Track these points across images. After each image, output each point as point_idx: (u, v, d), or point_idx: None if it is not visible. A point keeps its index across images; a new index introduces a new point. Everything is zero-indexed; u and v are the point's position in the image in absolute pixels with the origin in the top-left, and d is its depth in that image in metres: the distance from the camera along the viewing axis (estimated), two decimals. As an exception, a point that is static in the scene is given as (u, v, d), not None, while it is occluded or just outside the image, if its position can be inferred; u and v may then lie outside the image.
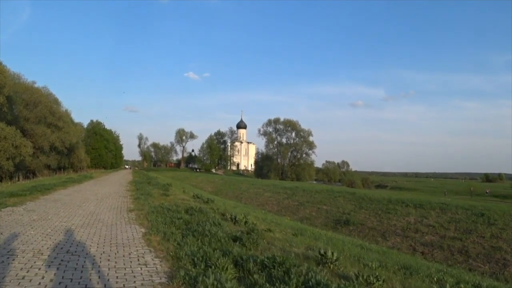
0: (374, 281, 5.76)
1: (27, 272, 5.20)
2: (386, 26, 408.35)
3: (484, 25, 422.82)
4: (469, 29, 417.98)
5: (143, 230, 9.00)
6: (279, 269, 5.50)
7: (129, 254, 6.50)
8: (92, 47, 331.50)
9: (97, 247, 6.91)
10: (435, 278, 8.02)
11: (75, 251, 6.46)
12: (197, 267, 5.50)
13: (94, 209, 12.79)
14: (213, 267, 5.40)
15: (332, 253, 7.11)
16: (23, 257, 5.93)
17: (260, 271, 5.54)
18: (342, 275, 6.28)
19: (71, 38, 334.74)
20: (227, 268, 5.42)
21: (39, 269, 5.35)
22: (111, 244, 7.24)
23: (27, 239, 7.30)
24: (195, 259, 5.87)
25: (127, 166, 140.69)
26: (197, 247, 6.91)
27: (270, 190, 42.81)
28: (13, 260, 5.76)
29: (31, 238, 7.40)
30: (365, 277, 5.81)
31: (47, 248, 6.66)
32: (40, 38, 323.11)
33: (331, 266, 6.79)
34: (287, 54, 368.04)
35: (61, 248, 6.65)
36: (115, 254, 6.46)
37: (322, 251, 7.16)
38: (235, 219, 11.59)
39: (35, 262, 5.67)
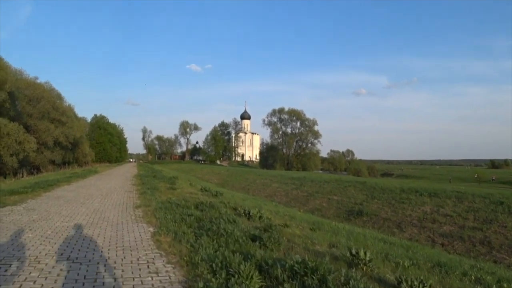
0: (420, 286, 5.01)
1: (20, 286, 4.46)
2: (387, 13, 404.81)
3: (487, 10, 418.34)
4: (471, 15, 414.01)
5: (151, 229, 8.26)
6: (313, 277, 4.72)
7: (138, 259, 5.75)
8: (93, 41, 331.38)
9: (102, 252, 6.15)
10: (472, 277, 7.24)
11: (77, 258, 5.71)
12: (217, 275, 4.73)
13: (98, 206, 12.06)
14: (236, 276, 4.63)
15: (365, 253, 6.35)
16: (17, 267, 5.19)
17: (290, 279, 4.76)
18: (380, 278, 5.54)
19: (72, 32, 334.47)
20: (251, 277, 4.65)
21: (34, 282, 4.60)
22: (117, 247, 6.49)
23: (24, 244, 6.55)
24: (214, 265, 5.12)
25: (131, 160, 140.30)
26: (213, 249, 6.17)
27: (278, 181, 42.08)
28: (5, 271, 5.02)
29: (28, 243, 6.66)
30: (409, 282, 5.05)
31: (45, 254, 5.92)
32: (42, 34, 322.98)
33: (364, 268, 6.04)
34: (288, 43, 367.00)
35: (61, 255, 5.89)
36: (122, 260, 5.71)
37: (353, 251, 6.40)
38: (249, 214, 10.84)
39: (30, 273, 4.92)
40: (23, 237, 7.07)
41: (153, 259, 5.80)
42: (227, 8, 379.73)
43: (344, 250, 7.89)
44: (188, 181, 31.93)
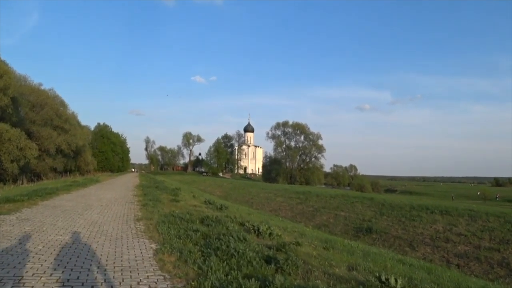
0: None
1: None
2: (392, 29, 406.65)
3: (491, 28, 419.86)
4: (475, 33, 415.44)
5: (153, 246, 7.49)
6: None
7: (138, 283, 4.99)
8: (99, 51, 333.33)
9: (97, 273, 5.39)
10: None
11: (68, 280, 4.94)
12: (232, 308, 3.97)
13: (97, 218, 11.29)
14: (255, 310, 3.87)
15: (396, 280, 5.61)
16: (-3, 291, 4.44)
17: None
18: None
19: (78, 42, 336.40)
20: (274, 311, 3.89)
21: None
22: (115, 267, 5.73)
23: (10, 261, 5.78)
24: (227, 294, 4.37)
25: (133, 170, 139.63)
26: (224, 272, 5.43)
27: (282, 195, 41.21)
28: (-18, 295, 4.27)
29: (15, 259, 5.89)
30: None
31: (33, 274, 5.15)
32: (48, 42, 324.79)
33: (396, 298, 5.28)
34: (293, 57, 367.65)
35: (50, 275, 5.13)
36: (120, 283, 4.95)
37: (383, 277, 5.63)
38: (258, 230, 10.05)
39: (10, 300, 4.17)
40: (10, 252, 6.31)
41: (156, 283, 5.04)
42: (233, 21, 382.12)
43: (365, 274, 7.16)
44: (191, 193, 31.15)
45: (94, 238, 7.92)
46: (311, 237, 12.89)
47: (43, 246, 6.88)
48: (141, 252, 6.85)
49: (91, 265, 5.77)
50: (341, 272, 7.10)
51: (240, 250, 6.58)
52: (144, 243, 7.76)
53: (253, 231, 9.99)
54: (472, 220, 21.43)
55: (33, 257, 6.09)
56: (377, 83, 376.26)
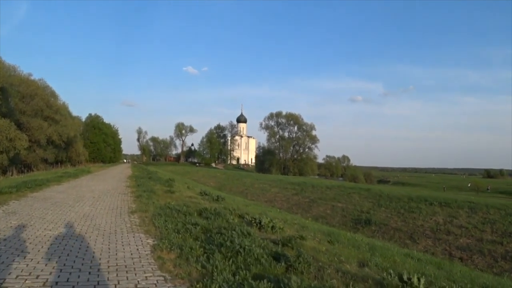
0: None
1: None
2: (384, 21, 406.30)
3: (482, 20, 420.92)
4: (467, 24, 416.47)
5: (150, 241, 6.93)
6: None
7: (136, 286, 4.43)
8: (89, 42, 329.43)
9: (90, 273, 4.80)
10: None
11: (57, 284, 4.37)
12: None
13: (89, 210, 10.68)
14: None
15: (419, 279, 5.10)
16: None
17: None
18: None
19: (69, 33, 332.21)
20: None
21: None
22: (109, 267, 5.15)
23: (-8, 260, 5.21)
24: (238, 299, 3.82)
25: (125, 160, 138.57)
26: (231, 272, 4.89)
27: (277, 186, 40.76)
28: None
29: (-3, 258, 5.31)
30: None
31: (16, 276, 4.57)
32: (38, 33, 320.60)
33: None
34: (285, 49, 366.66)
35: (37, 277, 4.55)
36: (115, 286, 4.38)
37: (404, 277, 5.13)
38: (260, 223, 9.52)
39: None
40: (-8, 250, 5.72)
41: (156, 285, 4.48)
42: (224, 11, 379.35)
43: (377, 270, 6.72)
44: (185, 183, 30.56)
45: (86, 233, 7.32)
46: (313, 229, 12.39)
47: (30, 243, 6.28)
48: (137, 249, 6.28)
49: (82, 264, 5.19)
50: (353, 269, 6.62)
51: (246, 246, 6.02)
52: (140, 238, 7.20)
53: (254, 224, 9.46)
54: (473, 212, 21.08)
55: (18, 255, 5.49)
56: (369, 74, 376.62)
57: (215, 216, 9.75)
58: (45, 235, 6.94)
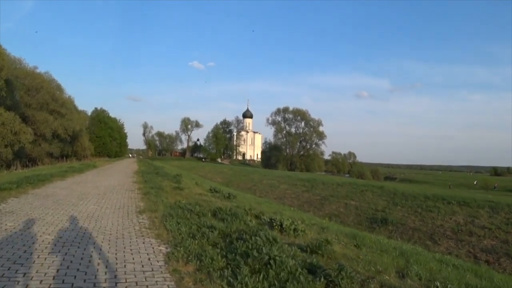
0: None
1: None
2: (391, 16, 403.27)
3: (491, 16, 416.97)
4: (475, 21, 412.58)
5: (163, 248, 6.07)
6: None
7: (150, 312, 3.56)
8: (96, 36, 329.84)
9: (93, 294, 3.95)
10: None
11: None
12: None
13: (93, 209, 9.81)
14: None
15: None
16: None
17: None
18: None
19: (75, 26, 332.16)
20: None
21: None
22: (117, 284, 4.28)
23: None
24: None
25: (131, 155, 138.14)
26: (265, 293, 4.01)
27: (286, 182, 39.86)
28: None
29: (-17, 272, 4.45)
30: None
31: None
32: (44, 27, 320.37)
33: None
34: (291, 44, 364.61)
35: (27, 300, 3.70)
36: (125, 313, 3.52)
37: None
38: (281, 226, 8.64)
39: None
40: (-20, 260, 4.87)
41: (175, 311, 3.61)
42: (231, 6, 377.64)
43: (418, 282, 5.89)
44: (192, 179, 29.77)
45: (89, 238, 6.45)
46: (334, 231, 11.48)
47: (25, 251, 5.40)
48: (149, 259, 5.41)
49: (85, 280, 4.32)
50: (394, 280, 5.82)
51: (276, 257, 5.14)
52: (151, 244, 6.33)
53: (276, 226, 8.58)
54: (494, 212, 20.12)
55: (9, 269, 4.61)
56: (376, 70, 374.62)
57: (231, 218, 8.88)
58: (43, 241, 6.07)
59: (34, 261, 4.97)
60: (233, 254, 5.45)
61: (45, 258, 5.10)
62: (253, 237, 6.35)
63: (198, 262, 5.11)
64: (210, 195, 16.21)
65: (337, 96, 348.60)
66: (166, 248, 6.08)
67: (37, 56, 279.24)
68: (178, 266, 5.01)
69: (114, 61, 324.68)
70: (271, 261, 5.00)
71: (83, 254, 5.41)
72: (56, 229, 7.01)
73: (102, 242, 6.24)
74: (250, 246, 5.82)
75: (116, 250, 5.78)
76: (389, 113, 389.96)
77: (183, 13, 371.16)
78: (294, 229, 8.61)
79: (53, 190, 13.98)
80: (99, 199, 11.96)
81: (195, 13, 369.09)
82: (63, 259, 5.09)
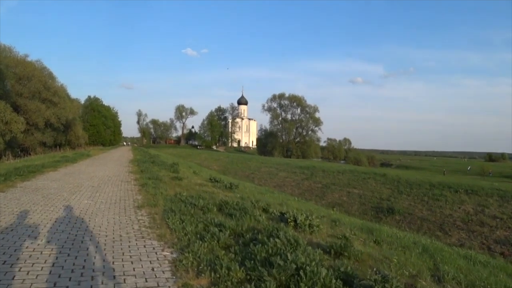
0: None
1: None
2: (384, 2, 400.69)
3: (484, 2, 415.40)
4: (469, 6, 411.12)
5: (167, 253, 5.22)
6: None
7: None
8: (87, 24, 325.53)
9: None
10: None
11: None
12: None
13: (87, 205, 8.89)
14: None
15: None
16: None
17: None
18: None
19: (67, 16, 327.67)
20: None
21: None
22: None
23: None
24: None
25: (125, 143, 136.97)
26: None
27: (284, 170, 39.10)
28: None
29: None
30: None
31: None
32: (35, 15, 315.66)
33: None
34: (285, 30, 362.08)
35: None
36: None
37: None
38: (295, 221, 7.82)
39: None
40: None
41: None
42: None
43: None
44: (189, 168, 28.93)
45: (82, 242, 5.55)
46: (347, 224, 10.67)
47: (3, 263, 4.51)
48: (153, 268, 4.55)
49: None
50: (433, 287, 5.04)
51: (307, 267, 4.29)
52: (154, 248, 5.47)
53: (290, 222, 7.75)
54: (504, 201, 19.45)
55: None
56: (369, 56, 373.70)
57: (240, 213, 8.05)
58: (27, 247, 5.17)
59: (15, 276, 4.08)
60: (252, 262, 4.61)
61: (28, 272, 4.21)
62: (271, 239, 5.51)
63: (212, 273, 4.26)
64: (210, 185, 15.39)
65: (331, 82, 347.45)
66: (172, 253, 5.23)
67: (28, 43, 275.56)
68: (189, 279, 4.16)
69: (107, 49, 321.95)
70: (302, 274, 4.16)
71: (73, 265, 4.52)
72: (43, 231, 6.10)
73: (96, 247, 5.36)
74: (270, 251, 4.99)
75: (113, 257, 4.91)
76: (383, 99, 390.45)
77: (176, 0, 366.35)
78: (309, 225, 7.80)
79: (43, 182, 13.05)
80: (93, 193, 11.06)
81: (188, 0, 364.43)
82: (50, 273, 4.21)
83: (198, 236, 5.94)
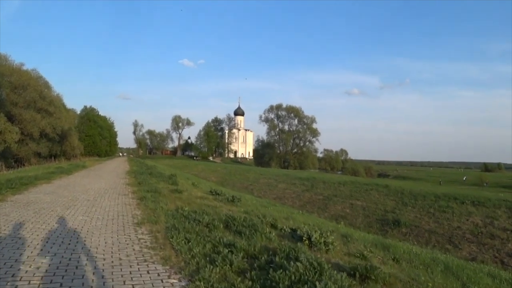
0: None
1: None
2: (381, 13, 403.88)
3: (481, 14, 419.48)
4: (465, 18, 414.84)
5: (175, 281, 4.57)
6: None
7: None
8: (85, 34, 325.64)
9: None
10: None
11: None
12: None
13: (82, 221, 8.19)
14: None
15: None
16: None
17: None
18: None
19: (64, 24, 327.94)
20: None
21: None
22: None
23: None
24: None
25: (121, 154, 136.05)
26: None
27: (284, 181, 38.42)
28: None
29: None
30: None
31: None
32: (32, 24, 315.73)
33: None
34: (282, 41, 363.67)
35: None
36: None
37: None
38: (309, 239, 7.20)
39: None
40: None
41: None
42: (221, 4, 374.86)
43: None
44: (188, 179, 28.25)
45: (76, 268, 4.88)
46: (360, 240, 10.03)
47: (-17, 296, 3.88)
48: (159, 302, 3.91)
49: None
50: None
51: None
52: (159, 274, 4.81)
53: (305, 240, 7.13)
54: (513, 212, 18.84)
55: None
56: (366, 67, 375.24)
57: (249, 231, 7.40)
58: (12, 275, 4.51)
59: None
60: (274, 293, 3.98)
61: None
62: (291, 262, 4.88)
63: (229, 308, 3.62)
64: (212, 198, 14.74)
65: (327, 93, 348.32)
66: (180, 280, 4.58)
67: (23, 52, 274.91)
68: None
69: (104, 60, 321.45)
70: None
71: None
72: (32, 255, 5.39)
73: (93, 273, 4.69)
74: (293, 277, 4.36)
75: (113, 287, 4.26)
76: (379, 110, 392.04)
77: (173, 11, 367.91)
78: (325, 242, 7.19)
79: (36, 196, 12.34)
80: (88, 207, 10.37)
81: (185, 11, 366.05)
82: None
83: (207, 258, 5.31)
